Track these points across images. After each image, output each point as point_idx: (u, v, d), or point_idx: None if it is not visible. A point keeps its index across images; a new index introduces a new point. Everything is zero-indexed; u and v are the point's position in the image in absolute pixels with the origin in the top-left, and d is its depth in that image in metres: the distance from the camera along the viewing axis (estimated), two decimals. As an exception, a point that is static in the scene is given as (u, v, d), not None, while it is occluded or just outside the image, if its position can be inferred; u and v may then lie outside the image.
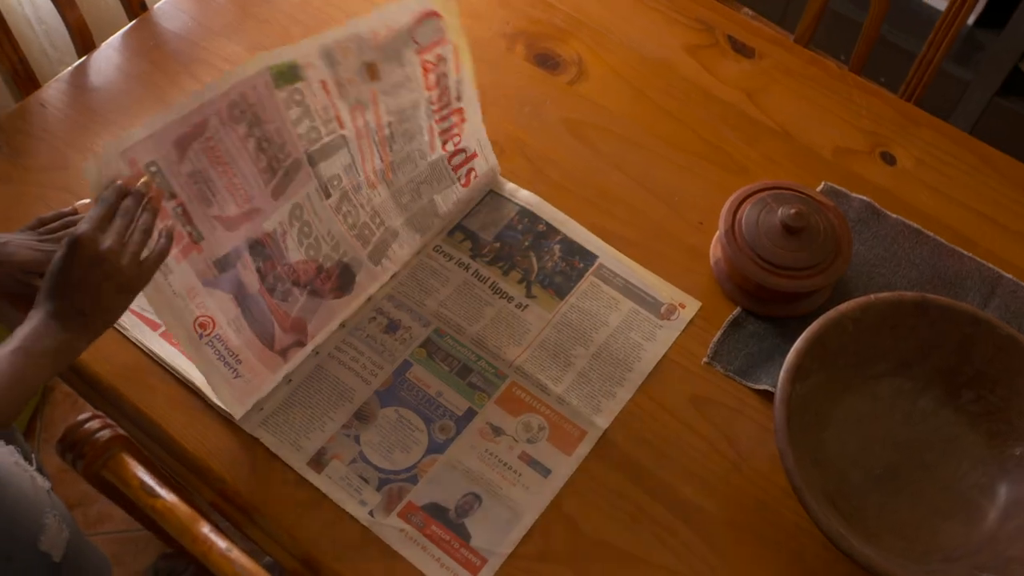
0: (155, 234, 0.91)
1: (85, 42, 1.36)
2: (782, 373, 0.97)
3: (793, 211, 1.09)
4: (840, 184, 1.24)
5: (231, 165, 0.95)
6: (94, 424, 0.80)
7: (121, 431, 0.82)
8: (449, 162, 1.18)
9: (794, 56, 1.38)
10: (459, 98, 1.15)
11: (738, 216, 1.13)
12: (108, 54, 1.33)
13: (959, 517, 1.00)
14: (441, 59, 1.10)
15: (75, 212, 1.08)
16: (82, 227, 0.88)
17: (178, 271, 0.94)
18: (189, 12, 1.37)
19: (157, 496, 0.78)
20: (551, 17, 1.39)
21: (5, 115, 1.27)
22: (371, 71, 1.03)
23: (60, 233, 1.06)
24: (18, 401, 0.82)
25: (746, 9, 1.57)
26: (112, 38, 1.35)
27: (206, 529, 0.75)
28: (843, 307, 1.01)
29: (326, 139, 1.02)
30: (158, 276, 0.92)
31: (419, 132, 1.12)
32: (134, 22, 1.37)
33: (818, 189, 1.23)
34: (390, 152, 1.10)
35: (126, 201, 0.89)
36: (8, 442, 0.97)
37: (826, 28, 1.53)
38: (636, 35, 1.38)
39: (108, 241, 0.88)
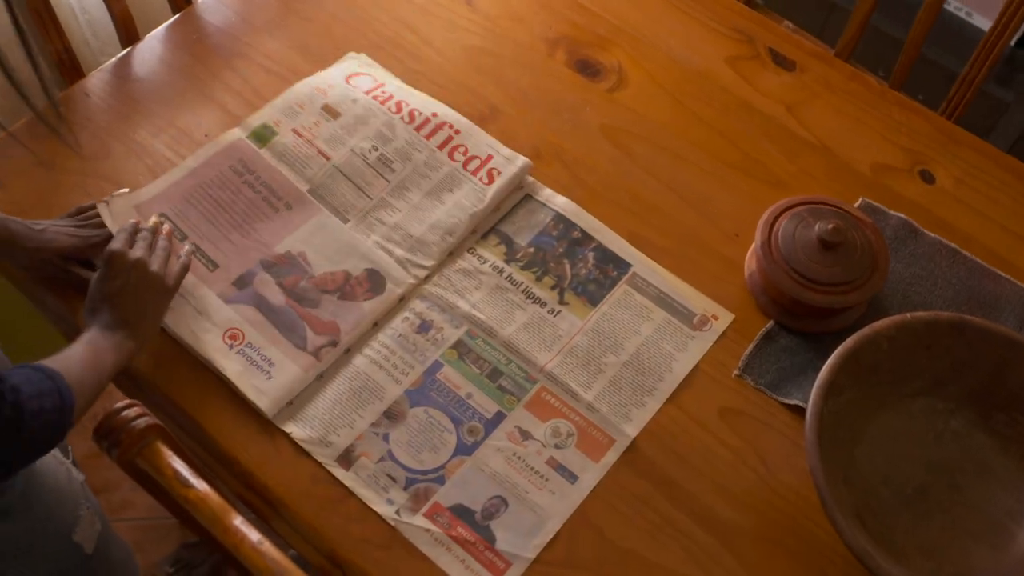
0: (174, 258, 1.06)
1: (129, 34, 1.38)
2: (815, 388, 0.97)
3: (831, 226, 1.08)
4: (878, 201, 1.24)
5: (232, 206, 1.16)
6: (131, 412, 0.81)
7: (156, 420, 0.82)
8: (465, 168, 1.20)
9: (835, 71, 1.37)
10: (435, 114, 1.24)
11: (775, 229, 1.12)
12: (152, 46, 1.34)
13: (989, 541, 0.99)
14: (387, 93, 1.26)
15: None
16: (113, 245, 1.01)
17: (199, 294, 1.09)
18: (233, 7, 1.38)
19: (190, 486, 0.78)
20: (593, 24, 1.39)
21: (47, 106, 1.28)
22: (330, 111, 1.24)
23: (97, 220, 1.08)
24: (95, 388, 0.90)
25: (787, 22, 1.57)
26: (156, 30, 1.36)
27: (237, 521, 0.75)
28: (878, 324, 1.01)
29: (320, 174, 1.19)
30: (180, 300, 1.08)
31: (412, 149, 1.21)
32: (178, 15, 1.38)
33: (855, 205, 1.22)
34: (392, 171, 1.20)
35: (142, 232, 1.05)
36: None
37: (865, 43, 1.52)
38: (677, 45, 1.38)
39: (138, 253, 1.02)
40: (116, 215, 1.11)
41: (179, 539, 1.86)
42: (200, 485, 0.78)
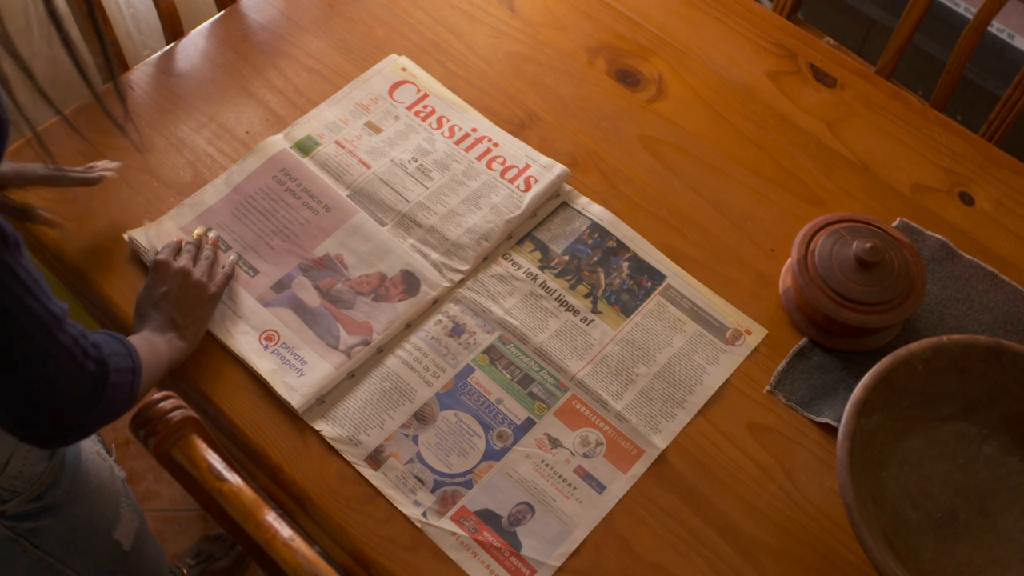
0: (218, 266, 1.12)
1: (175, 29, 1.39)
2: (848, 407, 0.96)
3: (868, 245, 1.08)
4: (916, 221, 1.23)
5: (274, 214, 1.18)
6: (167, 403, 0.81)
7: (192, 413, 0.83)
8: (502, 177, 1.21)
9: (876, 89, 1.36)
10: (474, 129, 1.26)
11: (812, 246, 1.12)
12: (196, 41, 1.36)
13: (1018, 569, 0.98)
14: (430, 108, 1.28)
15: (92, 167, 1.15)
16: (159, 256, 1.08)
17: (240, 299, 1.12)
18: (278, 6, 1.39)
19: (224, 480, 0.79)
20: (635, 34, 1.39)
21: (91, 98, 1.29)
22: (372, 127, 1.26)
23: (79, 169, 1.13)
24: (154, 373, 0.94)
25: (828, 38, 1.56)
26: (201, 26, 1.37)
27: (270, 517, 0.76)
28: (914, 346, 1.00)
29: (359, 180, 1.20)
30: (220, 305, 1.10)
31: (451, 160, 1.23)
32: (223, 12, 1.39)
33: (893, 225, 1.22)
34: (430, 179, 1.22)
35: (187, 245, 1.11)
36: None
37: (905, 61, 1.51)
38: (718, 57, 1.37)
39: (181, 262, 1.07)
40: (157, 238, 1.15)
41: (201, 531, 1.87)
42: (233, 479, 0.79)
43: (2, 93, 0.71)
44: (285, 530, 0.75)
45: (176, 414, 0.81)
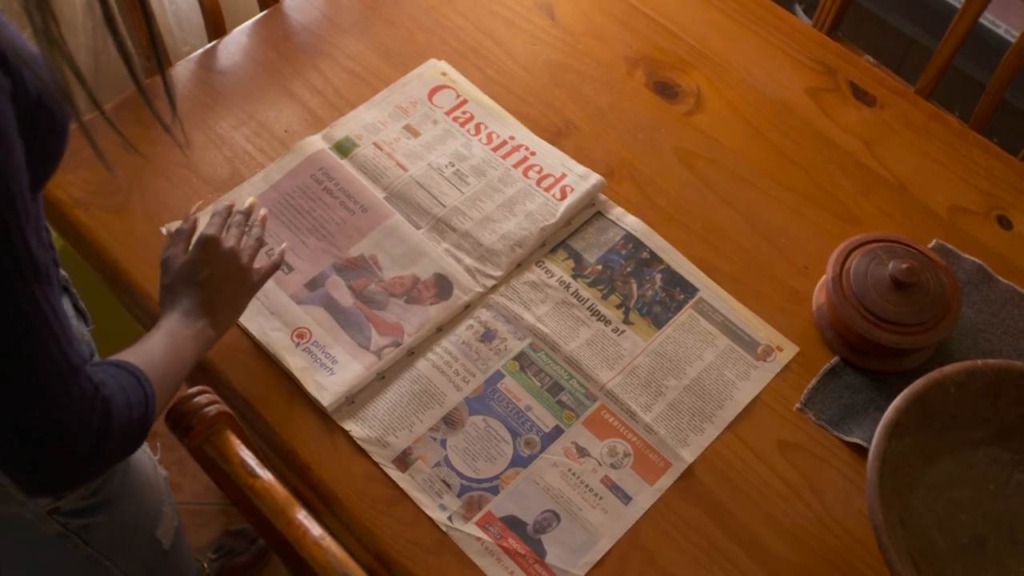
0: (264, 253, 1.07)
1: (217, 27, 1.40)
2: (879, 428, 0.96)
3: (905, 266, 1.07)
4: (952, 243, 1.22)
5: (310, 212, 1.19)
6: (203, 399, 0.82)
7: (227, 408, 0.84)
8: (538, 185, 1.22)
9: (916, 109, 1.36)
10: (512, 137, 1.26)
11: (847, 265, 1.11)
12: (239, 39, 1.37)
13: (1046, 598, 0.97)
14: (468, 114, 1.29)
15: None
16: (208, 231, 0.99)
17: (273, 295, 1.12)
18: (320, 7, 1.40)
19: (256, 476, 0.79)
20: (674, 46, 1.39)
21: (134, 91, 1.31)
22: (411, 131, 1.27)
23: None
24: (176, 384, 0.88)
25: (867, 56, 1.55)
26: (244, 25, 1.38)
27: (301, 515, 0.76)
28: (948, 369, 1.00)
29: (396, 183, 1.21)
30: (254, 299, 1.07)
31: (488, 167, 1.23)
32: (266, 11, 1.40)
33: (929, 246, 1.21)
34: (467, 184, 1.22)
35: (237, 216, 1.03)
36: None
37: (944, 82, 1.51)
38: (758, 73, 1.37)
39: (231, 242, 1.00)
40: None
41: (222, 526, 1.88)
42: (266, 476, 0.79)
43: (64, 101, 0.71)
44: (315, 528, 0.75)
45: (211, 409, 0.81)
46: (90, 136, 0.73)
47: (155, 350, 0.87)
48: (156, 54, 0.76)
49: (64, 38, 0.67)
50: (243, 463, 0.81)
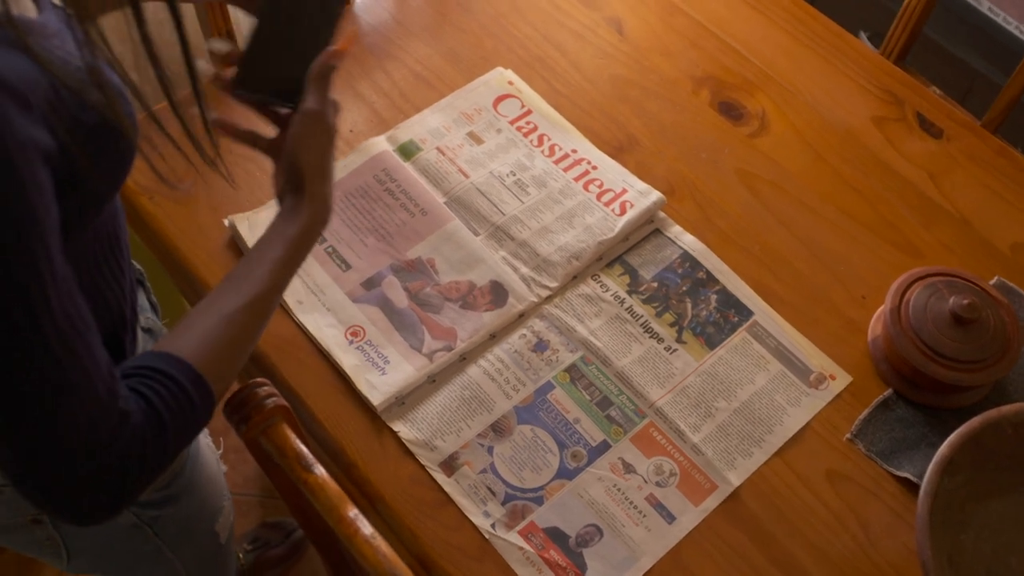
0: None
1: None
2: (932, 464, 0.95)
3: (966, 301, 1.06)
4: (1014, 281, 1.20)
5: (371, 212, 1.20)
6: (262, 390, 0.83)
7: (284, 402, 0.84)
8: (598, 199, 1.22)
9: (983, 143, 1.34)
10: (574, 150, 1.27)
11: (906, 297, 1.10)
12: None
13: (1094, 648, 0.95)
14: (532, 124, 1.29)
15: None
16: (327, 109, 0.85)
17: (330, 291, 1.13)
18: (390, 10, 1.41)
19: (311, 471, 0.80)
20: (741, 68, 1.39)
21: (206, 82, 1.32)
22: (474, 138, 1.28)
23: None
24: (269, 310, 0.83)
25: (934, 87, 1.54)
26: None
27: (352, 513, 0.77)
28: (1005, 409, 0.98)
29: (457, 189, 1.22)
30: (311, 295, 1.07)
31: (549, 178, 1.23)
32: (336, 11, 1.42)
33: (990, 283, 1.19)
34: (527, 194, 1.22)
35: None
36: None
37: (1010, 117, 1.49)
38: (824, 98, 1.36)
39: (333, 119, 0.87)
40: (255, 226, 1.16)
41: (259, 517, 1.89)
42: (320, 471, 0.80)
43: (135, 117, 0.72)
44: (367, 527, 0.76)
45: (270, 402, 0.82)
46: (185, 153, 0.73)
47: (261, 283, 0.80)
48: (196, 90, 0.74)
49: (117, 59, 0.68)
50: (299, 457, 0.81)
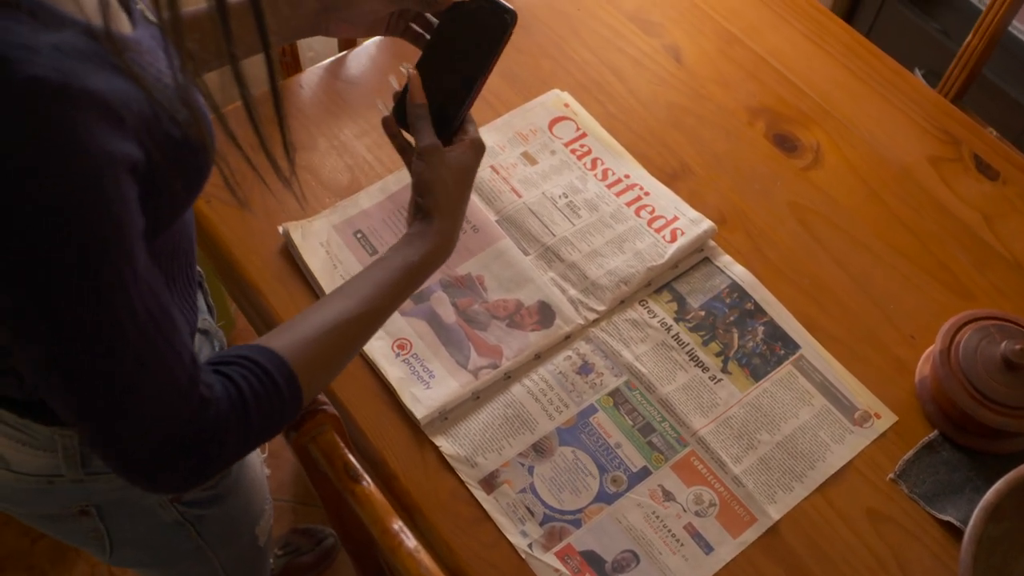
0: None
1: (348, 38, 1.44)
2: (978, 510, 0.94)
3: (1019, 347, 1.05)
4: (1067, 329, 1.19)
5: None
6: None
7: (334, 411, 0.85)
8: (649, 226, 1.22)
9: (1040, 188, 1.33)
10: (627, 175, 1.27)
11: (957, 339, 1.09)
12: (368, 51, 1.40)
13: None
14: (586, 148, 1.30)
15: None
16: (472, 156, 0.90)
17: None
18: (450, 27, 1.43)
19: (358, 482, 0.81)
20: (798, 100, 1.38)
21: (264, 90, 1.34)
22: (528, 158, 1.29)
23: None
24: (377, 324, 0.86)
25: (991, 129, 1.52)
26: (374, 39, 1.42)
27: (397, 526, 0.77)
28: (1055, 458, 0.97)
29: (509, 208, 1.23)
30: None
31: (601, 202, 1.24)
32: (397, 26, 1.44)
33: (1042, 329, 1.18)
34: (578, 217, 1.23)
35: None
36: None
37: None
38: (880, 135, 1.36)
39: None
40: (308, 235, 1.17)
41: (290, 523, 1.91)
42: (367, 482, 0.81)
43: (214, 134, 0.74)
44: (411, 540, 0.76)
45: (322, 410, 0.83)
46: (259, 172, 0.75)
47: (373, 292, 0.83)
48: (278, 111, 0.76)
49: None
50: (347, 467, 0.82)
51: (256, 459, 1.07)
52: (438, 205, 0.87)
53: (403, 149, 0.93)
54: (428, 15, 0.97)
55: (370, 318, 0.83)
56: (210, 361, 0.75)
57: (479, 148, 0.91)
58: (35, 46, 0.58)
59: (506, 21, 0.90)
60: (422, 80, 0.90)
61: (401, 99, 0.92)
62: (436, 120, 0.91)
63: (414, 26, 1.00)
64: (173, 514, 0.97)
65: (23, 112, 0.57)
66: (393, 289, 0.84)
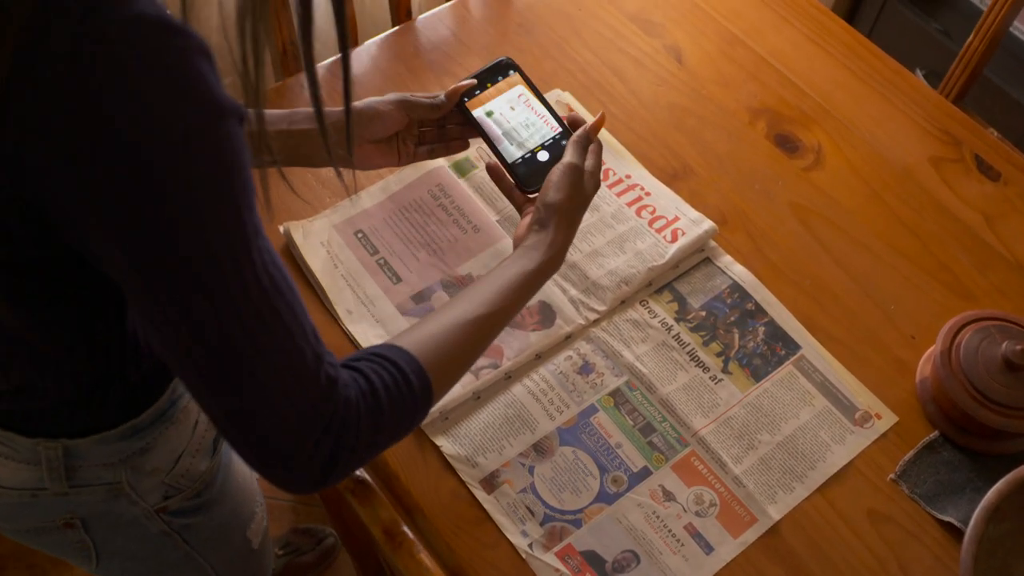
0: None
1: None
2: (978, 510, 0.94)
3: (1020, 347, 1.05)
4: (1068, 330, 1.19)
5: (424, 227, 1.21)
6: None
7: (334, 411, 0.85)
8: (650, 226, 1.22)
9: (1041, 189, 1.33)
10: (628, 176, 1.27)
11: (958, 340, 1.09)
12: (370, 51, 1.40)
13: None
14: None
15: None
16: (587, 176, 0.96)
17: (380, 303, 1.14)
18: (451, 27, 1.43)
19: (358, 481, 0.81)
20: (799, 101, 1.38)
21: (268, 89, 1.35)
22: None
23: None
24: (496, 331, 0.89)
25: (992, 129, 1.52)
26: (376, 38, 1.42)
27: (397, 526, 0.77)
28: (1056, 459, 0.97)
29: (510, 207, 1.22)
30: (361, 307, 1.08)
31: (602, 202, 1.24)
32: (398, 27, 1.44)
33: (1043, 330, 1.18)
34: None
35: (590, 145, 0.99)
36: None
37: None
38: (881, 135, 1.36)
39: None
40: (309, 234, 1.17)
41: (291, 522, 1.91)
42: (368, 482, 0.81)
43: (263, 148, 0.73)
44: (411, 540, 0.76)
45: (321, 410, 0.83)
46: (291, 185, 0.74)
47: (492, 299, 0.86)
48: (348, 132, 0.78)
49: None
50: (347, 467, 0.82)
51: (241, 463, 1.07)
52: (559, 221, 0.92)
53: (510, 192, 1.01)
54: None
55: (492, 320, 0.86)
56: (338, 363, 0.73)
57: (598, 184, 0.97)
58: None
59: (511, 64, 1.05)
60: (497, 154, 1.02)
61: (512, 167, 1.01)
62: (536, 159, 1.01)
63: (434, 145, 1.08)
64: (159, 524, 0.96)
65: (150, 48, 0.55)
66: (512, 295, 0.88)
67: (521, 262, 0.90)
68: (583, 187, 0.94)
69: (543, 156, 1.01)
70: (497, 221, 1.21)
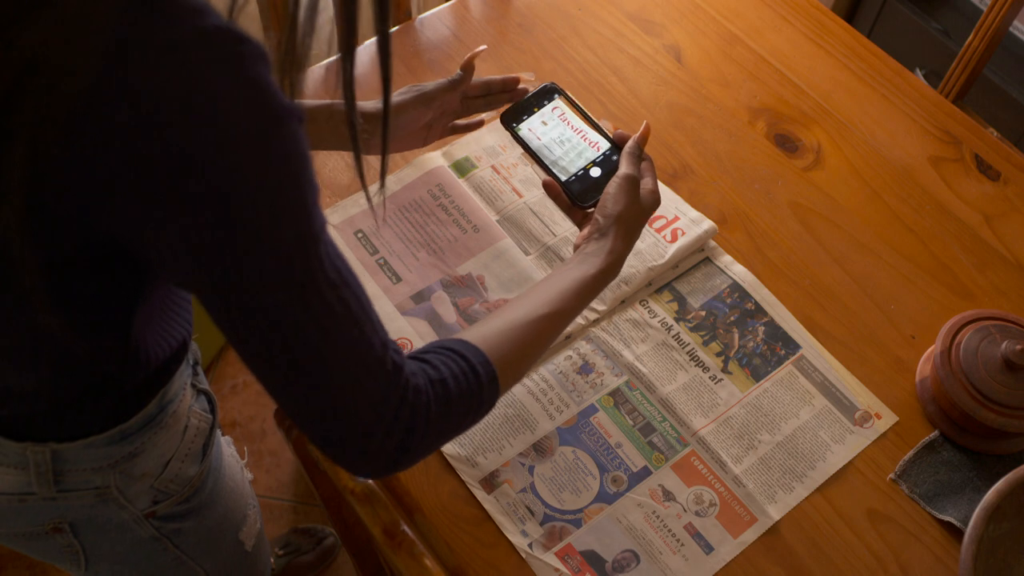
0: None
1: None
2: (978, 510, 0.94)
3: (1019, 347, 1.05)
4: (1067, 330, 1.19)
5: (424, 227, 1.21)
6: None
7: (334, 411, 0.85)
8: (650, 225, 1.22)
9: (1040, 189, 1.33)
10: None
11: (957, 339, 1.09)
12: (370, 51, 1.40)
13: None
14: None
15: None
16: (645, 187, 0.99)
17: (380, 303, 1.14)
18: (450, 27, 1.43)
19: (358, 481, 0.81)
20: (799, 100, 1.38)
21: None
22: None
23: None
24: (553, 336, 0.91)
25: (992, 129, 1.52)
26: (375, 38, 1.41)
27: (397, 526, 0.77)
28: (1055, 458, 0.97)
29: (510, 208, 1.23)
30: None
31: None
32: (397, 27, 1.44)
33: (1043, 330, 1.18)
34: None
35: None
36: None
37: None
38: (880, 135, 1.36)
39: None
40: None
41: (291, 522, 1.91)
42: (366, 482, 0.81)
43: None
44: (411, 540, 0.76)
45: (320, 410, 0.83)
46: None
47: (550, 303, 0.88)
48: (384, 147, 0.80)
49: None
50: (346, 466, 0.82)
51: (235, 466, 1.07)
52: (619, 230, 0.94)
53: (568, 210, 1.02)
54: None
55: (552, 320, 0.87)
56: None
57: (658, 201, 0.99)
58: (206, 5, 0.58)
59: (556, 88, 1.07)
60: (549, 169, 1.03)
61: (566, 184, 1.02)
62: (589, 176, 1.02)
63: (459, 122, 1.10)
64: (149, 530, 0.96)
65: (227, 58, 0.57)
66: (573, 297, 0.89)
67: (582, 267, 0.92)
68: (640, 199, 0.97)
69: (595, 172, 1.02)
70: (497, 220, 1.21)
